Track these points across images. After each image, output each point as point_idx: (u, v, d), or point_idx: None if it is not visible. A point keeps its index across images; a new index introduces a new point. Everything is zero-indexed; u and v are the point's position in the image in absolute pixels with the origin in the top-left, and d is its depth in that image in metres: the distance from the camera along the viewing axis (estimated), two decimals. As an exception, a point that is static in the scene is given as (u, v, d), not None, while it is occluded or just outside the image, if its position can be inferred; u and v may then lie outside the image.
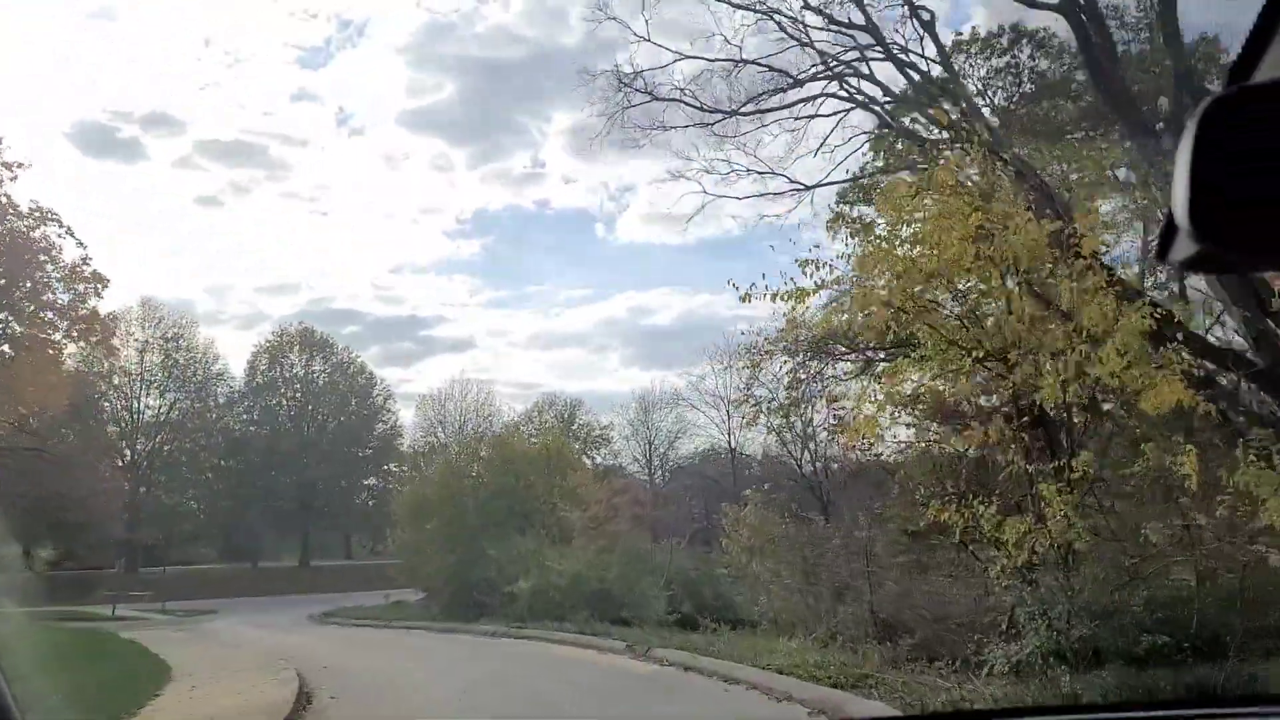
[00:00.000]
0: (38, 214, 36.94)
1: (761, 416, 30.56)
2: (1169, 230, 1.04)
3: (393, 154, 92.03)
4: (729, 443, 49.59)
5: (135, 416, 64.48)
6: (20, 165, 33.55)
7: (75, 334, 33.91)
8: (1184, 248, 1.02)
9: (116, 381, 64.18)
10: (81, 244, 33.86)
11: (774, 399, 29.61)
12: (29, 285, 32.05)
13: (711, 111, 23.92)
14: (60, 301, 35.09)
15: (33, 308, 36.16)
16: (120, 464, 64.16)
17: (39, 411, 55.00)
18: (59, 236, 36.96)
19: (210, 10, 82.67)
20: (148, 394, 65.03)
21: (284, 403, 68.85)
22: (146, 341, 64.67)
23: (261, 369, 68.59)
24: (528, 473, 35.62)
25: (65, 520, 60.37)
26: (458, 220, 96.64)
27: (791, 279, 14.48)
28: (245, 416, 68.77)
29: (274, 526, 68.12)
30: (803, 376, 26.49)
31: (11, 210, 35.83)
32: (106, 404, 64.37)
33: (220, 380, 67.45)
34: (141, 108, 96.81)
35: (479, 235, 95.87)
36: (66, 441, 61.39)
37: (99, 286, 35.31)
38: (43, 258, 36.68)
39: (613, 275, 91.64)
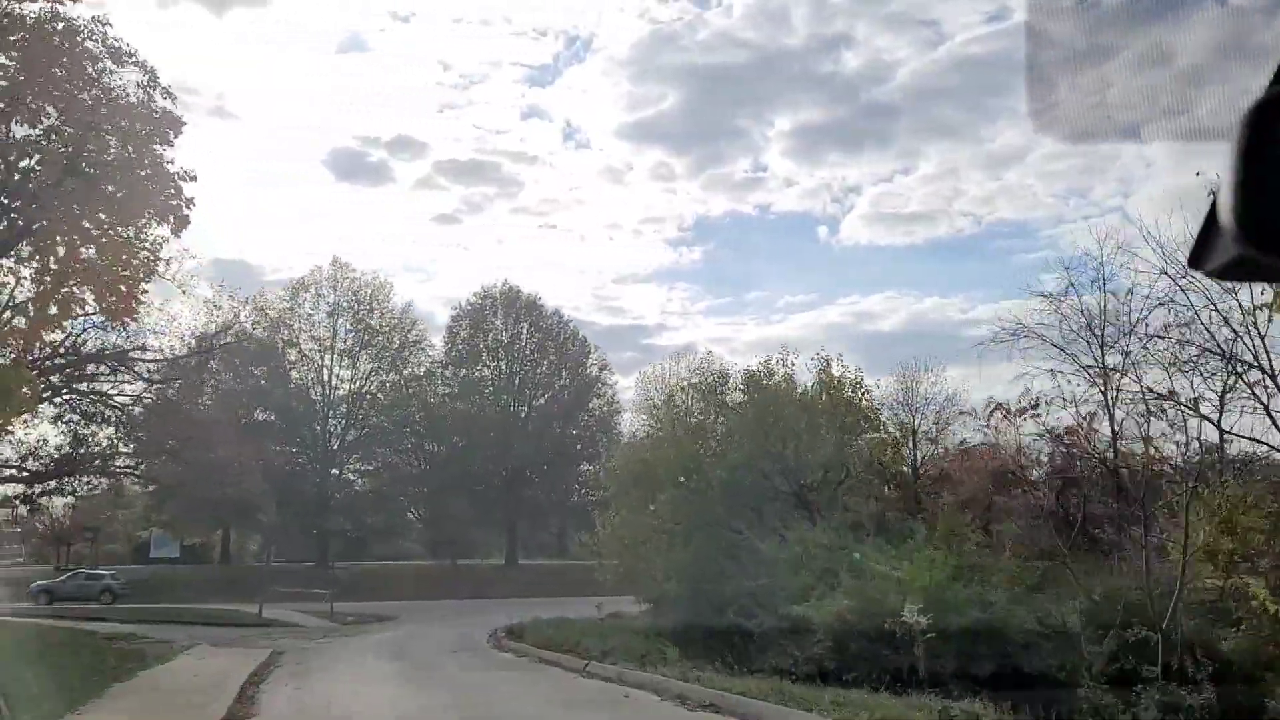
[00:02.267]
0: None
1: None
2: (1206, 234, 1.02)
3: (615, 165, 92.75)
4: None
5: (327, 390, 56.96)
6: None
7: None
8: (1223, 252, 1.01)
9: (305, 348, 56.82)
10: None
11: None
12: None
13: None
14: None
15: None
16: (305, 442, 56.76)
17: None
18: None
19: (447, 35, 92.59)
20: (339, 363, 57.46)
21: (486, 374, 59.55)
22: (337, 304, 57.02)
23: (462, 335, 59.60)
24: (799, 432, 23.07)
25: (235, 504, 53.44)
26: (679, 228, 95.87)
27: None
28: (445, 389, 59.98)
29: (477, 518, 58.99)
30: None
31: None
32: (296, 374, 57.16)
33: (417, 348, 59.01)
34: (388, 133, 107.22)
35: (700, 243, 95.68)
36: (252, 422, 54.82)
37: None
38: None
39: (834, 279, 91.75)
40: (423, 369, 59.23)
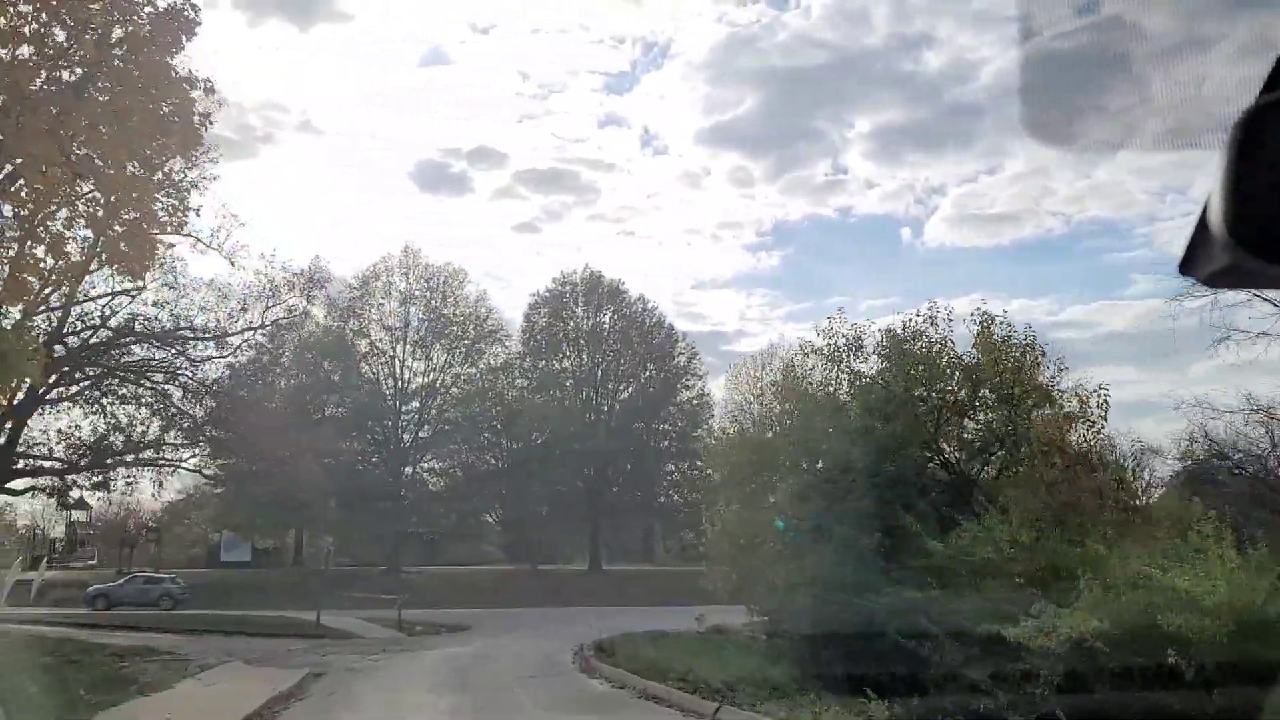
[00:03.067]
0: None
1: None
2: (1197, 241, 1.02)
3: (693, 170, 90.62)
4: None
5: (400, 383, 53.61)
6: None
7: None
8: (1215, 259, 1.01)
9: (375, 338, 53.58)
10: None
11: None
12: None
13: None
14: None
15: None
16: (376, 439, 53.51)
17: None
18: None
19: (526, 44, 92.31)
20: (412, 355, 54.11)
21: (566, 365, 55.59)
22: (409, 293, 53.67)
23: (540, 324, 55.73)
24: (960, 405, 18.32)
25: (304, 505, 50.68)
26: (758, 233, 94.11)
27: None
28: (522, 382, 56.18)
29: (557, 520, 55.14)
30: None
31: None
32: (366, 367, 53.94)
33: (493, 339, 55.28)
34: (469, 143, 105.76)
35: (779, 247, 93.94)
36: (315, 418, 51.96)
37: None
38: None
39: (919, 282, 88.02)
40: (499, 360, 55.49)
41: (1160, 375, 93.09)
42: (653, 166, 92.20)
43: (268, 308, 36.28)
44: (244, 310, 35.48)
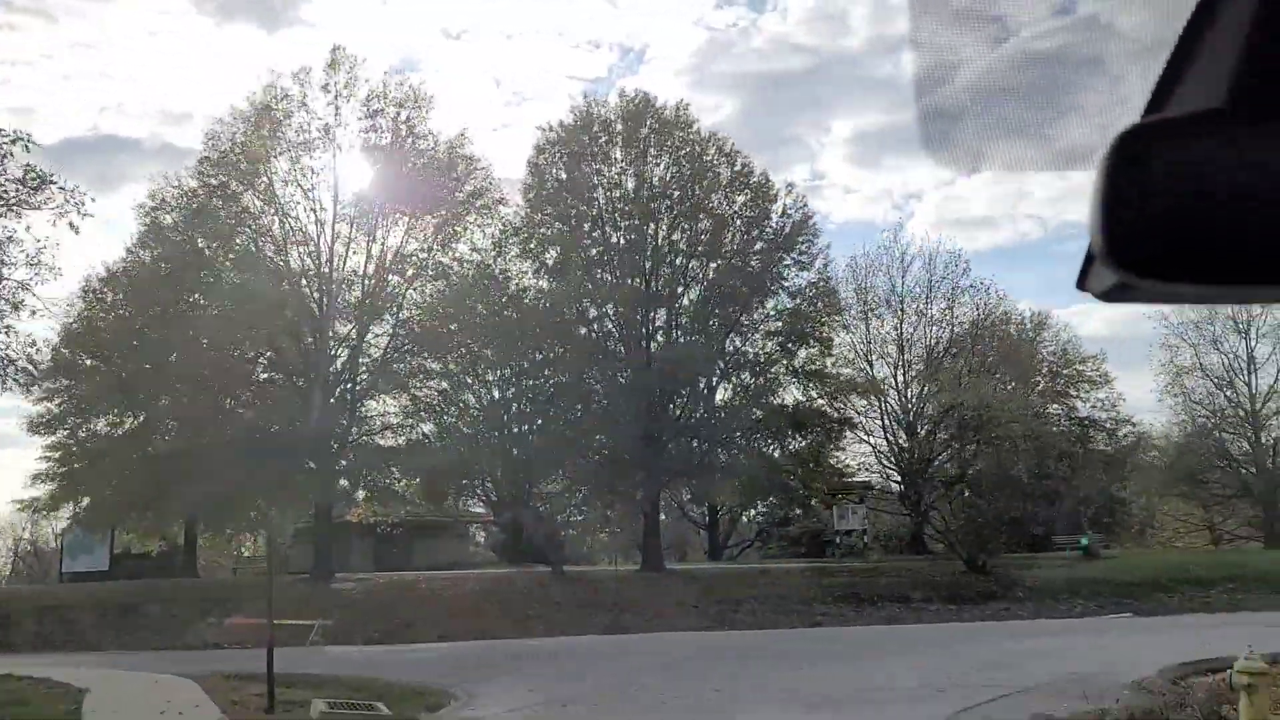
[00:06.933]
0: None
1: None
2: (1091, 258, 1.05)
3: None
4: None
5: (326, 275, 32.72)
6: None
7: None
8: (1103, 278, 1.05)
9: (283, 197, 32.80)
10: None
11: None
12: None
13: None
14: None
15: None
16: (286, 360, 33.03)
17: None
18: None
19: (500, 51, 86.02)
20: (353, 230, 33.39)
21: (593, 252, 34.45)
22: (339, 122, 32.89)
23: (550, 184, 34.68)
24: None
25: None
26: None
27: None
28: (525, 276, 35.34)
29: (589, 487, 34.44)
30: None
31: None
32: (270, 248, 33.16)
33: (481, 211, 34.33)
34: None
35: None
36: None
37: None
38: None
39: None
40: (491, 239, 34.66)
41: (1138, 380, 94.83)
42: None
43: None
44: None
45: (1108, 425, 47.54)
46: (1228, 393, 47.02)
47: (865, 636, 22.56)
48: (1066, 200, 79.07)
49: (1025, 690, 13.32)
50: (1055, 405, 45.27)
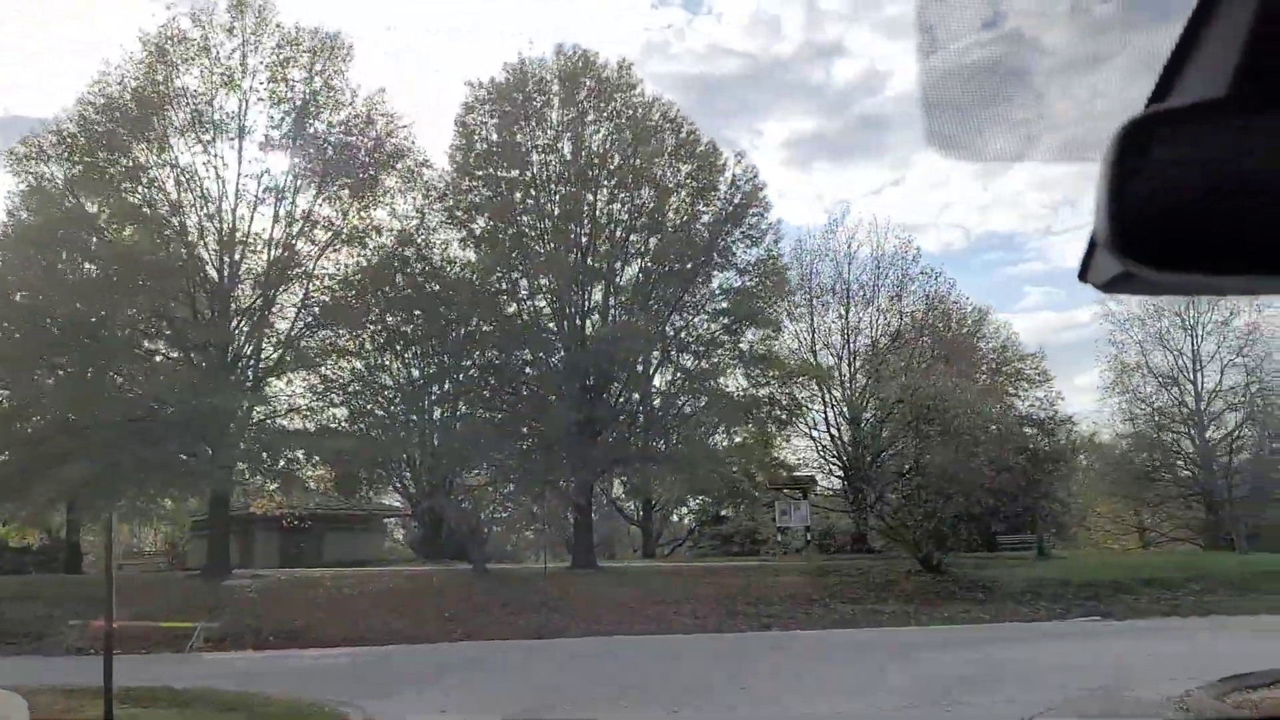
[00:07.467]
0: None
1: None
2: (1093, 249, 1.06)
3: None
4: None
5: (226, 238, 29.40)
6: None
7: None
8: (1107, 268, 1.05)
9: (180, 155, 29.42)
10: None
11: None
12: None
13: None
14: None
15: None
16: (180, 335, 29.80)
17: None
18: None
19: (437, 45, 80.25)
20: (254, 188, 30.13)
21: (525, 220, 31.72)
22: (238, 68, 29.64)
23: (479, 146, 31.84)
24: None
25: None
26: None
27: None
28: (452, 244, 32.43)
29: (520, 482, 31.68)
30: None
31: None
32: (162, 204, 29.76)
33: (401, 172, 31.35)
34: None
35: None
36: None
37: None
38: None
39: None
40: (414, 203, 31.66)
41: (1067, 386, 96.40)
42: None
43: None
44: None
45: (1047, 425, 46.35)
46: (1173, 391, 46.09)
47: (827, 642, 20.28)
48: (992, 209, 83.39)
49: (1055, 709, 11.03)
50: (994, 403, 43.89)
